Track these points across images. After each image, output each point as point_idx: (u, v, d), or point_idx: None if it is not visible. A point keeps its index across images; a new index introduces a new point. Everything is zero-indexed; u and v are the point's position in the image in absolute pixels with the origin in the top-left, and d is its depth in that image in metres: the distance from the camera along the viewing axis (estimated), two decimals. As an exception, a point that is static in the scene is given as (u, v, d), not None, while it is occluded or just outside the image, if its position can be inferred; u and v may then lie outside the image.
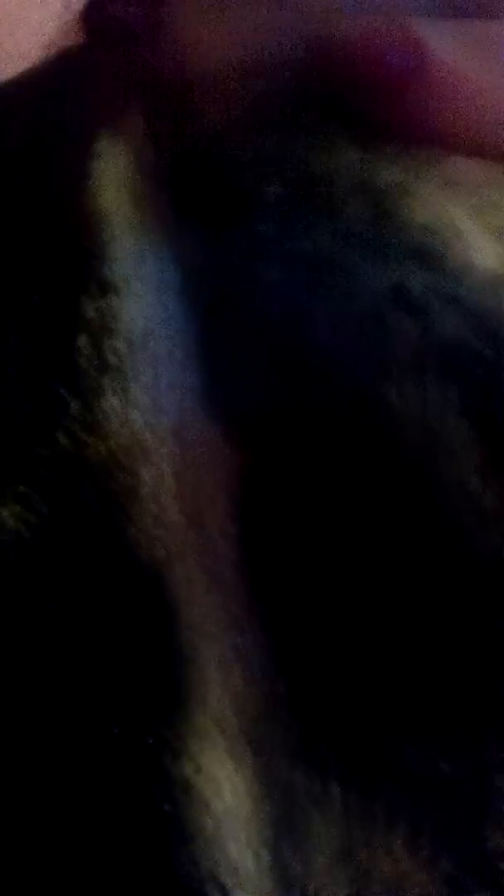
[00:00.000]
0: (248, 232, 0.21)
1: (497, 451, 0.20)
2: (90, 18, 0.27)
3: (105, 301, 0.21)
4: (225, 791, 0.19)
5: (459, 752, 0.20)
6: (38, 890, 0.19)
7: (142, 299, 0.21)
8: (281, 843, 0.19)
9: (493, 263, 0.21)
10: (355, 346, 0.20)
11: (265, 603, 0.19)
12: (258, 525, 0.20)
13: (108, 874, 0.19)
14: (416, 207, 0.21)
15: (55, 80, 0.27)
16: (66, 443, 0.20)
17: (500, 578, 0.20)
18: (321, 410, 0.20)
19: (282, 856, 0.19)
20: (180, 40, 0.25)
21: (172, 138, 0.23)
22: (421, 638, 0.20)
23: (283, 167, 0.22)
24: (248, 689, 0.19)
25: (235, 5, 0.25)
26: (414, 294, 0.20)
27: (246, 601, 0.19)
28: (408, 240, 0.21)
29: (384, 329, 0.20)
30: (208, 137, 0.23)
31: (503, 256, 0.21)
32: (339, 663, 0.19)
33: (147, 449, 0.20)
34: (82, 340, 0.21)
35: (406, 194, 0.21)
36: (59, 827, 0.19)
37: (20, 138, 0.24)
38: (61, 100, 0.25)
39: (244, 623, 0.19)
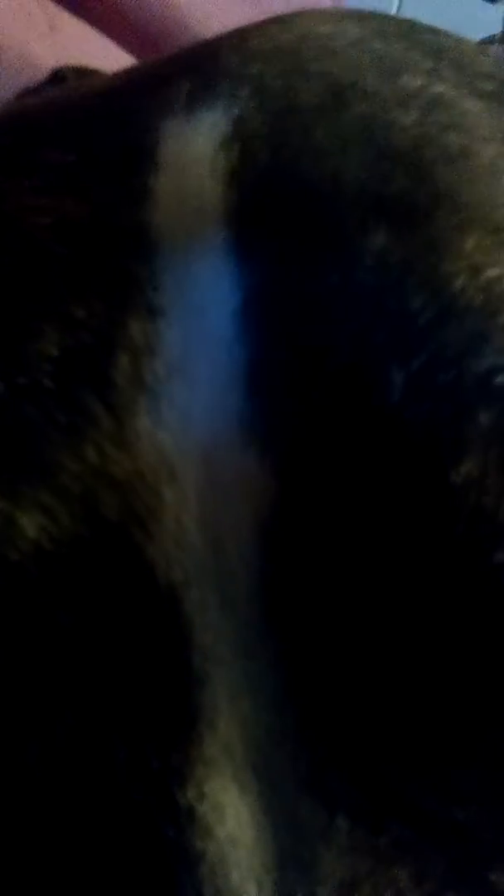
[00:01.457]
0: (339, 275, 0.21)
1: None
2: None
3: (150, 323, 0.21)
4: (229, 818, 0.19)
5: (472, 799, 0.20)
6: None
7: (188, 323, 0.21)
8: (284, 872, 0.19)
9: None
10: (429, 420, 0.20)
11: (279, 632, 0.20)
12: (279, 555, 0.20)
13: None
14: None
15: (117, 80, 0.28)
16: (94, 457, 0.20)
17: None
18: (373, 469, 0.19)
19: (285, 885, 0.19)
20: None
21: (264, 144, 0.23)
22: (438, 681, 0.19)
23: (394, 211, 0.22)
24: (258, 717, 0.19)
25: None
26: (496, 390, 0.20)
27: (260, 629, 0.20)
28: None
29: (462, 414, 0.20)
30: (309, 154, 0.23)
31: None
32: (351, 697, 0.19)
33: (174, 471, 0.20)
34: (123, 359, 0.21)
35: None
36: (61, 848, 0.19)
37: (79, 145, 0.24)
38: (123, 103, 0.25)
39: (257, 651, 0.20)
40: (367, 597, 0.19)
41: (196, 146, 0.23)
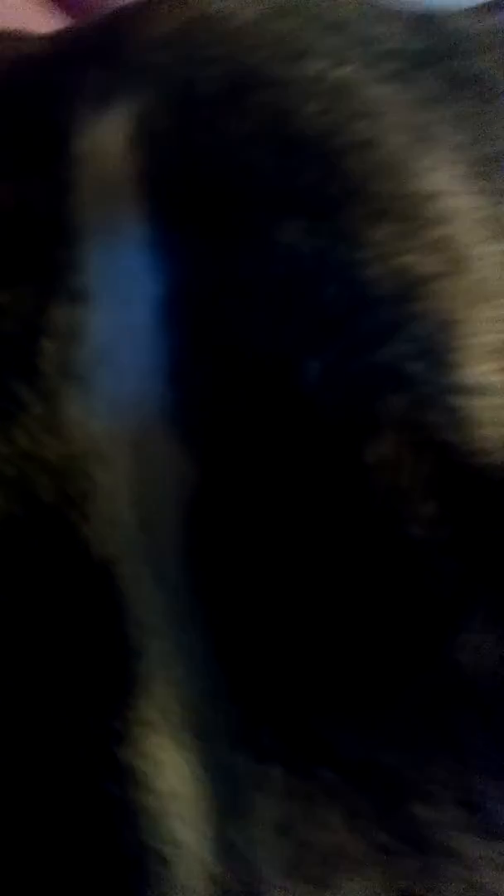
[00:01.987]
0: (254, 267, 0.22)
1: (456, 519, 0.21)
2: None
3: (74, 310, 0.22)
4: (168, 773, 0.21)
5: (393, 743, 0.22)
6: None
7: (112, 310, 0.22)
8: (223, 819, 0.21)
9: (484, 377, 0.21)
10: (344, 405, 0.21)
11: (208, 601, 0.21)
12: (206, 531, 0.21)
13: (54, 853, 0.21)
14: (439, 301, 0.22)
15: (35, 70, 0.28)
16: (26, 442, 0.21)
17: (425, 586, 0.21)
18: (291, 452, 0.21)
19: (224, 831, 0.21)
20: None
21: (172, 139, 0.24)
22: (355, 639, 0.21)
23: (305, 203, 0.23)
24: (191, 681, 0.21)
25: None
26: (408, 376, 0.21)
27: (190, 600, 0.21)
28: (419, 327, 0.21)
29: (374, 398, 0.21)
30: (218, 148, 0.23)
31: (495, 371, 0.21)
32: (276, 656, 0.21)
33: (104, 455, 0.22)
34: (48, 346, 0.22)
35: (435, 285, 0.22)
36: (6, 809, 0.21)
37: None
38: (41, 94, 0.26)
39: (188, 619, 0.21)
40: (287, 566, 0.21)
41: (108, 143, 0.24)
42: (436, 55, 0.26)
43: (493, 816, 0.22)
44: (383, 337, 0.21)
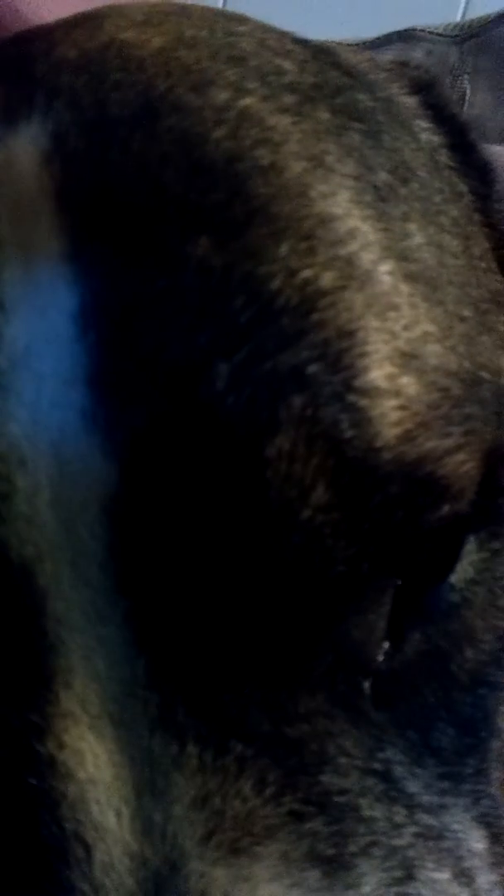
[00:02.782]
0: (167, 279, 0.23)
1: (348, 513, 0.23)
2: None
3: None
4: (87, 762, 0.22)
5: (298, 718, 0.23)
6: None
7: (27, 318, 0.23)
8: (141, 799, 0.22)
9: (379, 379, 0.23)
10: (248, 405, 0.22)
11: (127, 596, 0.22)
12: (124, 528, 0.23)
13: None
14: (338, 311, 0.24)
15: None
16: None
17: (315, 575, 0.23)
18: (202, 450, 0.22)
19: (142, 810, 0.22)
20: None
21: (84, 159, 0.25)
22: (261, 625, 0.23)
23: (217, 222, 0.24)
24: (110, 672, 0.22)
25: None
26: (310, 380, 0.23)
27: (109, 595, 0.22)
28: (319, 334, 0.23)
29: (277, 399, 0.23)
30: (130, 167, 0.24)
31: (392, 378, 0.24)
32: (191, 645, 0.23)
33: (24, 459, 0.23)
34: None
35: (334, 297, 0.24)
36: None
37: None
38: None
39: (108, 614, 0.22)
40: (199, 558, 0.23)
41: (21, 158, 0.25)
42: (326, 90, 0.28)
43: (399, 784, 0.24)
44: (286, 343, 0.23)
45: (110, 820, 0.22)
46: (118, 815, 0.22)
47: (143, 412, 0.23)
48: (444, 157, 0.30)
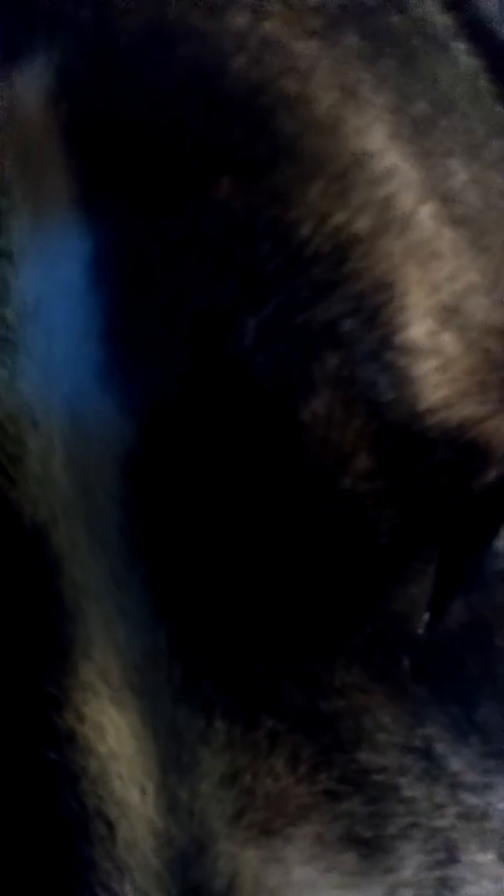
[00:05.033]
0: (187, 224, 0.22)
1: (391, 472, 0.22)
2: None
3: None
4: (108, 735, 0.22)
5: (333, 692, 0.23)
6: None
7: (37, 268, 0.23)
8: (166, 775, 0.22)
9: (419, 336, 0.22)
10: (279, 364, 0.22)
11: (147, 562, 0.22)
12: (145, 491, 0.22)
13: None
14: (374, 261, 0.23)
15: None
16: None
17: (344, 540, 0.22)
18: (229, 411, 0.22)
19: (167, 786, 0.22)
20: None
21: (93, 95, 0.24)
22: (292, 592, 0.22)
23: (236, 160, 0.23)
24: (131, 641, 0.22)
25: None
26: (345, 336, 0.22)
27: (129, 560, 0.22)
28: (353, 286, 0.22)
29: (310, 357, 0.22)
30: (143, 103, 0.23)
31: (433, 336, 0.23)
32: (216, 610, 0.22)
33: (35, 419, 0.22)
34: None
35: (370, 245, 0.23)
36: None
37: None
38: None
39: (127, 580, 0.22)
40: (225, 523, 0.22)
41: (24, 102, 0.24)
42: (356, 11, 0.26)
43: (440, 762, 0.23)
44: (317, 296, 0.22)
45: (134, 796, 0.21)
46: (142, 790, 0.22)
47: (164, 369, 0.22)
48: (484, 82, 0.29)
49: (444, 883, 0.23)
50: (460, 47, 0.29)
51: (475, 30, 0.29)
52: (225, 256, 0.22)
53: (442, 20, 0.29)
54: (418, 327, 0.23)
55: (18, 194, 0.23)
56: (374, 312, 0.22)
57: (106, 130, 0.23)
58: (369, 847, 0.22)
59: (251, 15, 0.25)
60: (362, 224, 0.23)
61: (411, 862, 0.22)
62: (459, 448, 0.22)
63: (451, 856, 0.23)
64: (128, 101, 0.24)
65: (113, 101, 0.24)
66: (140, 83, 0.24)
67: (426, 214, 0.24)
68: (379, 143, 0.24)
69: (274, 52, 0.24)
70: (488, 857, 0.23)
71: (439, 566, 0.23)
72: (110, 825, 0.21)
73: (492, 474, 0.23)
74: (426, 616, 0.24)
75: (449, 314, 0.23)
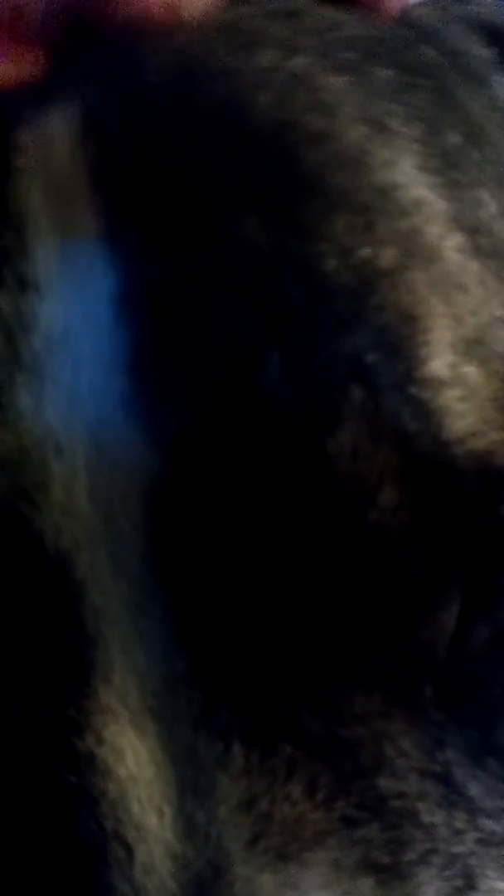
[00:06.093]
0: (212, 259, 0.23)
1: (419, 505, 0.22)
2: None
3: (23, 298, 0.23)
4: (128, 759, 0.22)
5: (352, 718, 0.23)
6: None
7: (64, 299, 0.23)
8: (184, 799, 0.22)
9: (441, 368, 0.23)
10: (305, 397, 0.22)
11: (168, 589, 0.22)
12: (167, 520, 0.22)
13: (16, 844, 0.22)
14: (399, 294, 0.23)
15: None
16: None
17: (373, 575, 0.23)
18: (254, 444, 0.22)
19: (185, 810, 0.22)
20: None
21: (120, 135, 0.24)
22: (312, 621, 0.23)
23: (266, 197, 0.23)
24: (151, 667, 0.22)
25: None
26: (367, 368, 0.22)
27: (150, 588, 0.22)
28: (378, 320, 0.23)
29: (335, 390, 0.22)
30: (169, 141, 0.24)
31: (455, 368, 0.23)
32: (235, 640, 0.23)
33: (60, 446, 0.23)
34: None
35: (395, 278, 0.23)
36: None
37: None
38: None
39: (147, 607, 0.22)
40: (248, 555, 0.22)
41: (54, 141, 0.25)
42: (389, 45, 0.27)
43: (459, 787, 0.24)
44: (342, 328, 0.23)
45: (152, 819, 0.22)
46: (160, 814, 0.22)
47: (189, 401, 0.22)
48: None
49: None
50: (500, 80, 0.29)
51: None
52: (249, 291, 0.23)
53: (483, 53, 0.29)
54: (441, 360, 0.23)
55: (47, 227, 0.24)
56: (398, 345, 0.23)
57: (132, 169, 0.24)
58: (387, 873, 0.22)
59: (279, 51, 0.25)
60: (388, 257, 0.23)
61: (429, 888, 0.23)
62: (486, 475, 0.23)
63: (469, 882, 0.23)
64: (154, 140, 0.24)
65: (139, 140, 0.24)
66: (166, 122, 0.24)
67: (452, 246, 0.24)
68: (406, 174, 0.24)
69: (301, 87, 0.25)
70: None
71: (465, 591, 0.24)
72: (128, 848, 0.22)
73: None
74: (451, 641, 0.24)
75: (471, 346, 0.23)
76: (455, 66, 0.28)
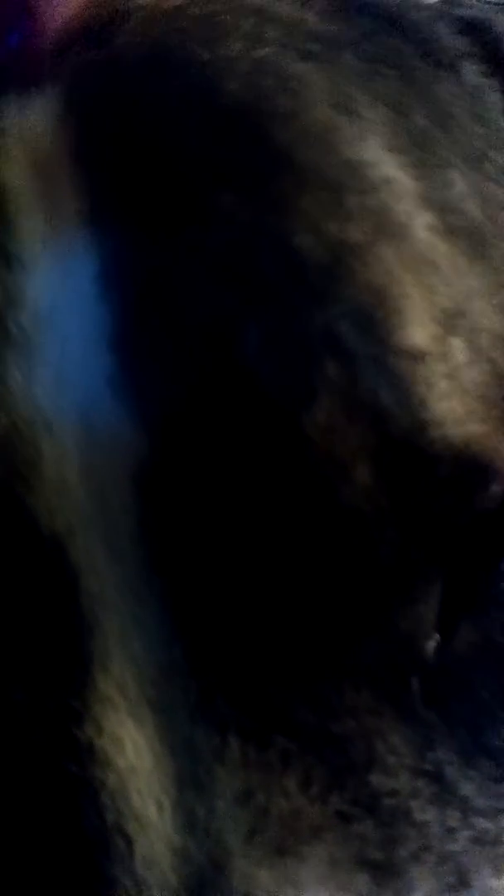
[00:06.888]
0: (191, 236, 0.23)
1: (394, 489, 0.22)
2: None
3: (10, 274, 0.23)
4: (127, 749, 0.22)
5: (345, 713, 0.23)
6: None
7: (50, 276, 0.23)
8: (183, 791, 0.22)
9: (422, 339, 0.23)
10: (282, 372, 0.22)
11: (163, 574, 0.22)
12: (158, 503, 0.22)
13: (16, 834, 0.22)
14: (372, 270, 0.23)
15: None
16: None
17: (366, 561, 0.22)
18: (236, 418, 0.22)
19: (184, 803, 0.22)
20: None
21: (98, 119, 0.25)
22: (303, 609, 0.23)
23: (240, 174, 0.24)
24: (148, 655, 0.22)
25: None
26: (343, 342, 0.22)
27: (145, 573, 0.22)
28: (352, 294, 0.23)
29: (311, 364, 0.22)
30: (147, 121, 0.24)
31: (438, 340, 0.23)
32: (231, 627, 0.22)
33: (50, 424, 0.22)
34: None
35: (366, 252, 0.23)
36: None
37: None
38: None
39: (143, 594, 0.22)
40: (237, 536, 0.22)
41: (36, 124, 0.25)
42: (353, 36, 0.27)
43: (451, 786, 0.24)
44: (316, 302, 0.23)
45: (151, 812, 0.22)
46: (160, 806, 0.22)
47: (173, 379, 0.22)
48: (495, 99, 0.29)
49: None
50: (471, 67, 0.29)
51: (491, 51, 0.30)
52: (228, 267, 0.23)
53: (451, 42, 0.30)
54: (420, 330, 0.23)
55: (31, 205, 0.24)
56: (372, 317, 0.23)
57: (112, 149, 0.24)
58: (381, 870, 0.22)
59: (246, 42, 0.26)
60: (357, 232, 0.23)
61: (423, 885, 0.22)
62: (462, 464, 0.23)
63: (462, 880, 0.23)
64: (131, 122, 0.24)
65: (117, 122, 0.25)
66: (142, 106, 0.25)
67: (421, 224, 0.24)
68: (374, 153, 0.25)
69: (267, 73, 0.25)
70: (501, 882, 0.23)
71: (446, 586, 0.24)
72: (129, 841, 0.21)
73: (496, 493, 0.23)
74: (435, 638, 0.24)
75: (453, 318, 0.23)
76: (422, 53, 0.28)
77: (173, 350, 0.22)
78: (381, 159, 0.25)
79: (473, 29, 0.30)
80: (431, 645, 0.24)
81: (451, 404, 0.23)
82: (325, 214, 0.23)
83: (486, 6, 0.32)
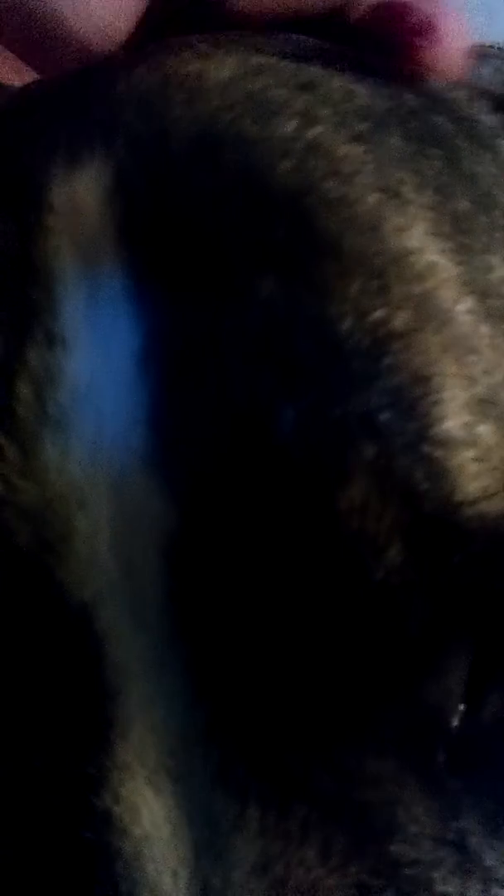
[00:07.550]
0: (231, 318, 0.24)
1: (426, 564, 0.23)
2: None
3: (51, 352, 0.24)
4: (143, 817, 0.22)
5: (367, 781, 0.23)
6: None
7: (90, 354, 0.24)
8: (200, 861, 0.22)
9: (455, 428, 0.23)
10: (317, 451, 0.23)
11: (187, 644, 0.23)
12: (185, 575, 0.23)
13: None
14: (412, 355, 0.24)
15: (7, 120, 0.29)
16: (1, 486, 0.23)
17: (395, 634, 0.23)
18: (267, 499, 0.23)
19: (200, 872, 0.22)
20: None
21: (146, 196, 0.25)
22: (328, 680, 0.23)
23: (285, 258, 0.24)
24: (169, 723, 0.23)
25: None
26: (381, 426, 0.23)
27: (170, 642, 0.23)
28: (391, 380, 0.23)
29: (347, 445, 0.23)
30: (193, 202, 0.25)
31: (469, 427, 0.24)
32: (253, 697, 0.23)
33: (83, 500, 0.23)
34: (23, 389, 0.24)
35: (408, 340, 0.24)
36: None
37: None
38: (13, 144, 0.27)
39: (167, 662, 0.23)
40: (264, 607, 0.23)
41: (85, 194, 0.26)
42: (399, 114, 0.28)
43: (474, 856, 0.24)
44: (355, 388, 0.23)
45: (167, 881, 0.22)
46: (175, 876, 0.22)
47: (206, 456, 0.23)
48: None
49: None
50: None
51: None
52: (266, 349, 0.23)
53: (489, 120, 0.31)
54: (455, 419, 0.24)
55: (74, 283, 0.25)
56: (412, 405, 0.23)
57: (157, 228, 0.25)
58: None
59: (299, 121, 0.26)
60: (401, 319, 0.24)
61: None
62: (495, 539, 0.23)
63: None
64: (178, 201, 0.25)
65: (164, 200, 0.25)
66: (190, 185, 0.25)
67: (464, 310, 0.25)
68: (419, 240, 0.25)
69: (319, 155, 0.26)
70: None
71: (474, 657, 0.24)
72: None
73: None
74: (461, 708, 0.24)
75: (485, 406, 0.24)
76: (463, 131, 0.29)
77: (208, 428, 0.23)
78: (426, 246, 0.25)
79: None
80: (458, 715, 0.24)
81: (482, 483, 0.23)
82: (370, 301, 0.24)
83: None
